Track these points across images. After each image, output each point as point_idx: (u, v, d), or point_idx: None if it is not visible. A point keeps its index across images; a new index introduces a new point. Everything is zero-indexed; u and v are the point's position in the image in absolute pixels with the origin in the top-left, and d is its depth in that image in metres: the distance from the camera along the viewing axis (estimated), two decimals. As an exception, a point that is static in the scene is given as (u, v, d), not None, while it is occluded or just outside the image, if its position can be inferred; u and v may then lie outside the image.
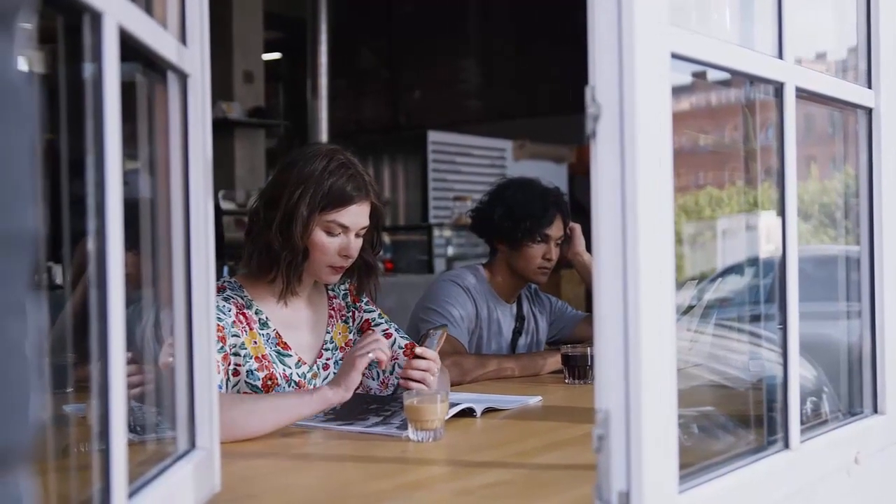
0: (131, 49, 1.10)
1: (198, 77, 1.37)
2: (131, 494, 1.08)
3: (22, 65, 0.56)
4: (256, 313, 2.23)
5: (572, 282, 6.81)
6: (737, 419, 1.72)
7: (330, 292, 2.41)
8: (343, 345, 2.37)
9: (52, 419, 1.24)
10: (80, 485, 1.17)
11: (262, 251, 2.20)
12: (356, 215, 2.20)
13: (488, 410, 2.18)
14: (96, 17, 0.99)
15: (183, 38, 1.34)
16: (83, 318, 1.05)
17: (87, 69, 1.01)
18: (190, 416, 1.37)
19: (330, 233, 2.19)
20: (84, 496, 1.06)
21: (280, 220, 2.16)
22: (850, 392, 1.86)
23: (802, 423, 1.54)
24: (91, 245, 1.00)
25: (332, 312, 2.38)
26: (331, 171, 2.17)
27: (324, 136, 8.70)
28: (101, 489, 1.00)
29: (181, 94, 1.35)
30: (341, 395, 1.97)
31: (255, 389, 2.16)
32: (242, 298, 2.22)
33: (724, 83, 1.71)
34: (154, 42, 1.19)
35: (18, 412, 0.53)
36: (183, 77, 1.34)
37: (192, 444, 1.37)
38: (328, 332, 2.35)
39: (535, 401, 2.35)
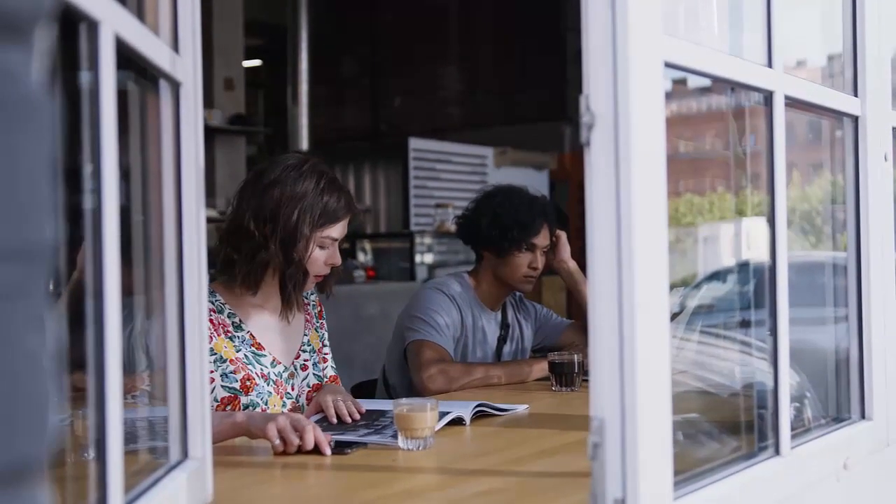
0: (124, 57, 1.10)
1: (190, 85, 1.37)
2: (127, 505, 1.07)
3: (40, 77, 0.56)
4: (229, 317, 2.27)
5: (553, 288, 6.82)
6: (725, 426, 1.73)
7: (303, 298, 2.45)
8: (317, 350, 2.43)
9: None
10: (73, 495, 1.16)
11: (259, 269, 2.24)
12: (343, 227, 2.31)
13: (479, 415, 2.18)
14: (93, 26, 0.98)
15: (175, 47, 1.34)
16: (69, 327, 1.04)
17: (83, 77, 1.01)
18: (182, 426, 1.36)
19: (322, 247, 2.27)
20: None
21: (281, 241, 2.21)
22: (838, 398, 1.87)
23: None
24: (87, 253, 1.00)
25: (308, 317, 2.45)
26: (323, 190, 2.25)
27: (304, 144, 8.68)
28: (98, 499, 0.99)
29: (173, 102, 1.34)
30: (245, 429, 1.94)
31: (233, 392, 2.19)
32: (213, 303, 2.25)
33: (703, 90, 1.72)
34: (148, 50, 1.18)
35: (38, 425, 0.53)
36: (175, 85, 1.34)
37: (185, 454, 1.36)
38: (305, 335, 2.41)
39: (523, 409, 2.35)
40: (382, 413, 2.18)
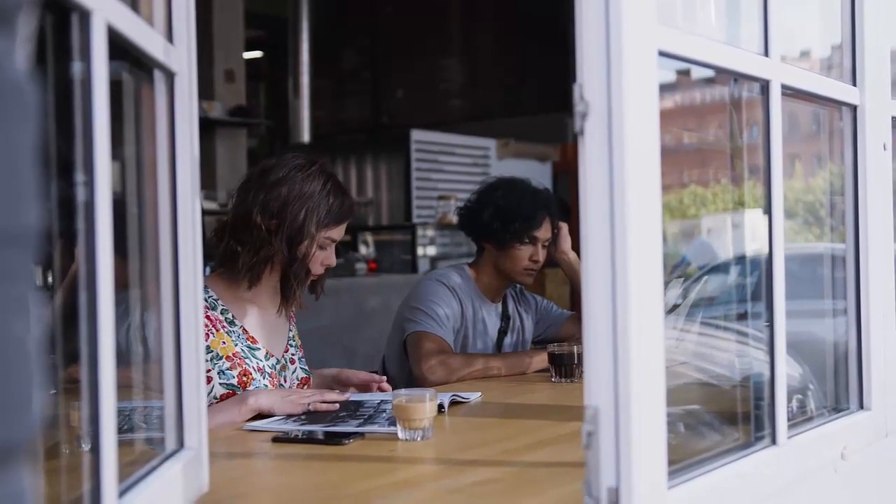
0: (118, 47, 1.10)
1: (185, 76, 1.37)
2: (121, 494, 1.07)
3: (23, 63, 0.56)
4: (222, 313, 2.28)
5: (556, 281, 6.82)
6: (724, 416, 1.73)
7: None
8: (299, 346, 2.49)
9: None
10: (68, 485, 1.16)
11: (262, 263, 2.27)
12: (343, 230, 2.36)
13: (454, 403, 2.23)
14: (85, 15, 0.98)
15: (170, 37, 1.34)
16: (66, 319, 1.04)
17: (75, 67, 1.00)
18: (178, 415, 1.36)
19: (322, 247, 2.31)
20: (72, 496, 1.06)
21: (287, 238, 2.24)
22: (836, 388, 1.87)
23: (789, 419, 1.55)
24: (80, 246, 1.00)
25: (292, 314, 2.48)
26: (329, 192, 2.29)
27: (306, 136, 8.68)
28: (92, 489, 1.00)
29: (168, 92, 1.34)
30: (260, 405, 2.11)
31: (231, 388, 2.21)
32: (206, 300, 2.26)
33: (708, 81, 1.72)
34: (141, 40, 1.18)
35: (22, 408, 0.53)
36: (170, 76, 1.33)
37: (181, 444, 1.36)
38: (291, 331, 2.46)
39: (475, 397, 2.36)
40: (361, 403, 2.19)
